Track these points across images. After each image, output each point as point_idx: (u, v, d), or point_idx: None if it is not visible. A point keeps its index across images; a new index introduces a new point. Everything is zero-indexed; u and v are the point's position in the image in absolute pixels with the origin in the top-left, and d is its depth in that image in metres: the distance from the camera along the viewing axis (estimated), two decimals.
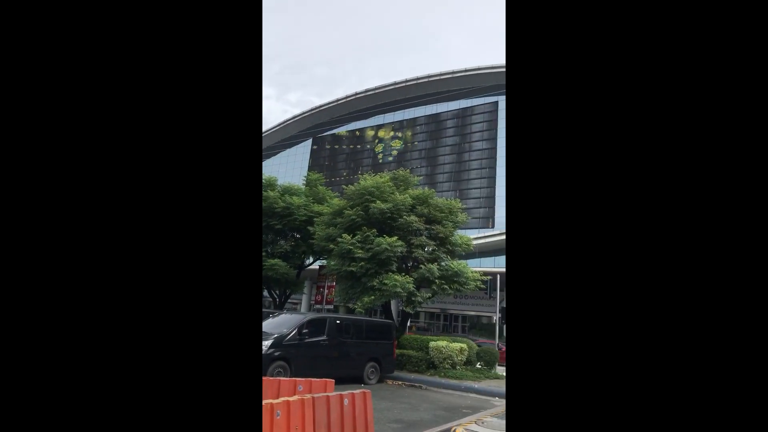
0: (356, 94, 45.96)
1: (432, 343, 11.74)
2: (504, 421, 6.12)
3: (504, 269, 24.58)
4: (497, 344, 15.73)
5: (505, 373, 12.60)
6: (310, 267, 19.11)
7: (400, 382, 10.47)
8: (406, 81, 43.14)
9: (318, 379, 4.99)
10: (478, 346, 13.48)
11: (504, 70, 38.57)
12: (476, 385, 10.20)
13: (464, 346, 11.89)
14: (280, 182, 18.20)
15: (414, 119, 43.77)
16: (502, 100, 38.97)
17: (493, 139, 38.57)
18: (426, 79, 42.18)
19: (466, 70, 40.20)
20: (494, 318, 19.63)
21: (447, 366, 11.37)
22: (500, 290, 17.99)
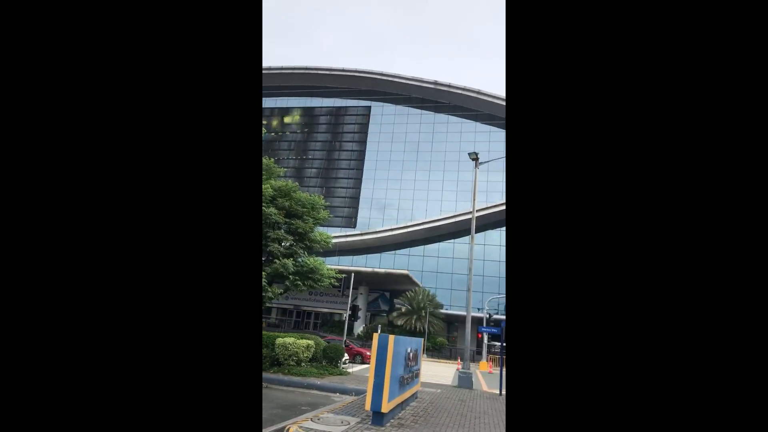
0: None
1: (278, 340, 11.42)
2: (339, 416, 6.21)
3: (359, 268, 25.43)
4: (345, 341, 16.13)
5: (348, 369, 12.97)
6: None
7: None
8: (282, 68, 41.57)
9: None
10: (327, 342, 13.61)
11: (383, 78, 39.77)
12: (319, 381, 10.23)
13: (311, 342, 11.86)
14: None
15: (286, 108, 42.46)
16: (375, 106, 40.46)
17: (363, 142, 39.75)
18: (302, 71, 41.31)
19: (343, 70, 40.58)
20: (344, 315, 20.11)
21: (292, 363, 11.19)
22: (353, 288, 18.51)
